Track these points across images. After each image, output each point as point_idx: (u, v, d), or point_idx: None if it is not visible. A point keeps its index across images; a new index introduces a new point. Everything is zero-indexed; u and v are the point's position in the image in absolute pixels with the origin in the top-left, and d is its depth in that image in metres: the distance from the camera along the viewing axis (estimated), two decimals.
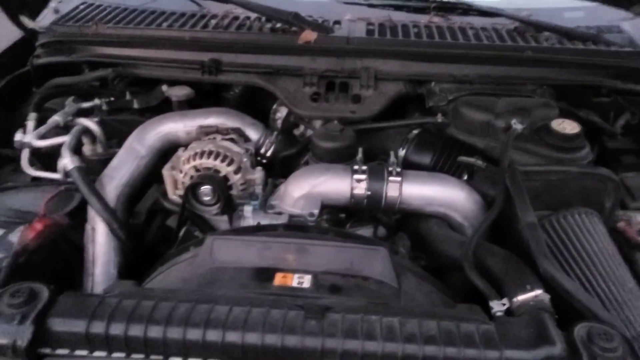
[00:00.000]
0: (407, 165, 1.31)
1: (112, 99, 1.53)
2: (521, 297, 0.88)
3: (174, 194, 1.25)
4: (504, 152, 1.18)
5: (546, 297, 0.88)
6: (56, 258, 1.17)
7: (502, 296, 0.91)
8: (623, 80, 1.49)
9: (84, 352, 0.78)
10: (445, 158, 1.34)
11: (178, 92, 1.48)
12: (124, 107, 1.54)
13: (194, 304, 0.80)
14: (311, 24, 1.53)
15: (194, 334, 0.76)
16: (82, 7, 1.76)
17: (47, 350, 0.78)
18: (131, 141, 1.33)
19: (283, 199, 1.17)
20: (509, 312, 0.88)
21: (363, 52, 1.49)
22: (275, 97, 1.50)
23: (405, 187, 1.14)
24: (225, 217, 1.24)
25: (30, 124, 1.37)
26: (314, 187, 1.14)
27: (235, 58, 1.50)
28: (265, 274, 0.88)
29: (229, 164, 1.18)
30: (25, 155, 1.35)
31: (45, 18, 1.70)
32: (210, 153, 1.18)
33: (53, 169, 1.38)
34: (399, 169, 1.17)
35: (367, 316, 0.78)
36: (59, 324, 0.78)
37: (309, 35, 1.49)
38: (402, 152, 1.37)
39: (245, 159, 1.22)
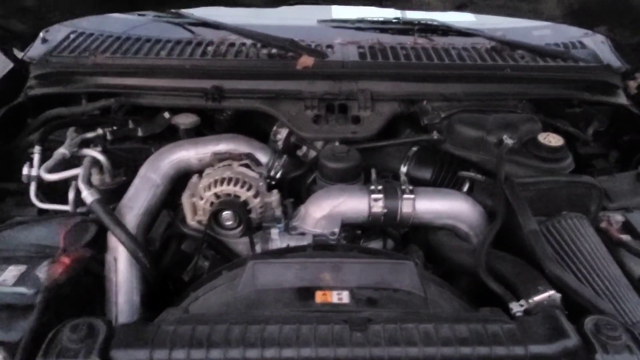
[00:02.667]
0: (409, 181, 1.39)
1: (115, 128, 1.55)
2: (536, 298, 0.99)
3: (193, 220, 1.30)
4: (499, 165, 1.30)
5: (557, 297, 0.99)
6: (78, 289, 1.19)
7: (516, 298, 1.01)
8: (591, 92, 1.65)
9: None
10: (445, 172, 1.45)
11: (185, 120, 1.51)
12: (127, 136, 1.56)
13: (246, 325, 0.86)
14: (307, 50, 1.61)
15: (252, 353, 0.82)
16: (72, 36, 1.76)
17: None
18: (145, 170, 1.36)
19: (304, 220, 1.24)
20: (525, 311, 0.98)
21: (358, 74, 1.58)
22: (268, 117, 1.56)
23: (418, 203, 1.24)
24: (243, 240, 1.29)
25: (37, 157, 1.38)
26: (334, 207, 1.22)
27: (237, 84, 1.55)
28: (306, 293, 0.96)
29: (247, 189, 1.24)
30: (33, 188, 1.36)
31: (34, 48, 1.70)
32: (230, 180, 1.24)
33: (55, 200, 1.39)
34: (411, 187, 1.26)
35: (404, 324, 0.86)
36: (122, 355, 0.82)
37: (307, 61, 1.57)
38: (404, 169, 1.46)
39: (261, 183, 1.29)
